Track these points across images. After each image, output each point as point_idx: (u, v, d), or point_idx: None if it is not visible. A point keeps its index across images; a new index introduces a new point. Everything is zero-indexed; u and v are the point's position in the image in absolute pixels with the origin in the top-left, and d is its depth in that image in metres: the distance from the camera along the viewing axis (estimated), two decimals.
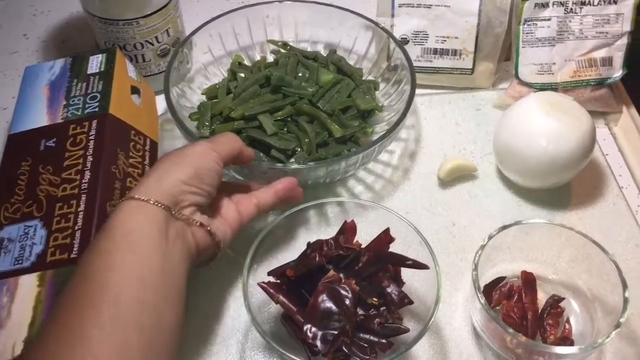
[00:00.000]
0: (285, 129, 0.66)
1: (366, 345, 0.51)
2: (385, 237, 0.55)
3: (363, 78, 0.74)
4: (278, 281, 0.54)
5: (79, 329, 0.41)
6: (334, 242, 0.55)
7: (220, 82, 0.73)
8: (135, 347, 0.42)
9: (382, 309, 0.53)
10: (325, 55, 0.76)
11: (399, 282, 0.55)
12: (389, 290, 0.53)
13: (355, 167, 0.63)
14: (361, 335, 0.51)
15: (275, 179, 0.59)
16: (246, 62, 0.76)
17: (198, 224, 0.50)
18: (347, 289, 0.52)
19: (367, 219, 0.59)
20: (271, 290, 0.52)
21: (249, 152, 0.57)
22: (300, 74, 0.71)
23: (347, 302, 0.51)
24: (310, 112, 0.66)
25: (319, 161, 0.61)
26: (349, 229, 0.56)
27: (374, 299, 0.52)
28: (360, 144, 0.67)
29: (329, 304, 0.51)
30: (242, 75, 0.73)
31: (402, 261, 0.54)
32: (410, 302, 0.53)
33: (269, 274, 0.54)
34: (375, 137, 0.65)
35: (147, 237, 0.46)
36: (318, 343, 0.49)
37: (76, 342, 0.40)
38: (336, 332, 0.49)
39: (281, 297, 0.52)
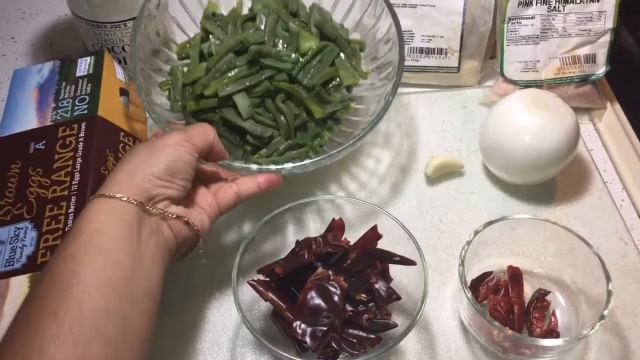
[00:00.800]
0: (263, 107, 0.63)
1: (355, 340, 0.51)
2: (373, 234, 0.56)
3: (349, 37, 0.69)
4: (267, 279, 0.54)
5: (38, 342, 0.39)
6: (322, 239, 0.55)
7: (192, 40, 0.68)
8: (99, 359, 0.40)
9: (370, 304, 0.54)
10: (307, 6, 0.69)
11: (387, 278, 0.56)
12: (377, 286, 0.54)
13: (334, 160, 0.60)
14: (350, 330, 0.52)
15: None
16: (221, 11, 0.70)
17: (174, 216, 0.49)
18: (336, 285, 0.52)
19: (356, 217, 0.60)
20: (260, 288, 0.53)
21: (221, 149, 0.55)
22: (280, 40, 0.65)
23: (336, 298, 0.52)
24: (289, 91, 0.63)
25: (296, 164, 0.58)
26: (337, 227, 0.57)
27: (362, 295, 0.53)
28: (341, 121, 0.65)
29: (318, 301, 0.51)
30: (215, 40, 0.66)
31: (390, 257, 0.55)
32: (398, 298, 0.54)
33: (259, 271, 0.55)
34: (358, 108, 0.63)
35: (115, 238, 0.44)
36: (307, 339, 0.49)
37: (33, 358, 0.38)
38: (325, 328, 0.50)
39: (270, 295, 0.53)
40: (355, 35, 0.72)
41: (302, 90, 0.63)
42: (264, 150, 0.63)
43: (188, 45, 0.68)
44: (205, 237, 0.54)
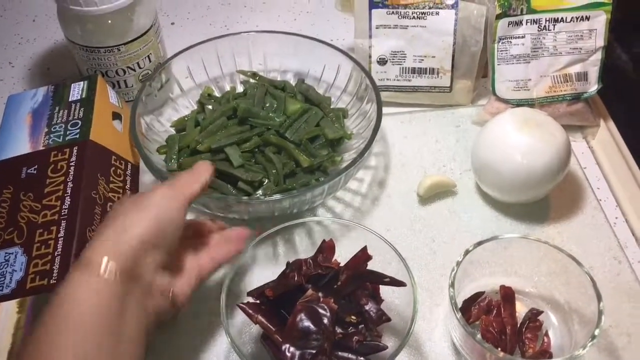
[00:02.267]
0: (253, 160, 0.67)
1: None
2: (363, 255, 0.55)
3: (332, 106, 0.75)
4: (257, 301, 0.54)
5: None
6: (312, 261, 0.55)
7: (189, 115, 0.73)
8: None
9: (360, 326, 0.53)
10: (294, 84, 0.76)
11: (378, 300, 0.56)
12: (367, 307, 0.54)
13: (322, 197, 0.63)
14: (340, 353, 0.51)
15: (241, 210, 0.60)
16: (216, 94, 0.76)
17: (159, 292, 0.49)
18: (325, 307, 0.52)
19: (346, 238, 0.60)
20: (250, 311, 0.53)
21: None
22: (267, 105, 0.71)
23: (326, 320, 0.51)
24: (277, 143, 0.67)
25: (283, 193, 0.60)
26: (327, 248, 0.57)
27: (352, 317, 0.53)
28: (329, 173, 0.67)
29: (307, 323, 0.51)
30: (211, 107, 0.73)
31: (380, 279, 0.55)
32: (388, 320, 0.54)
33: (249, 294, 0.55)
34: (344, 166, 0.65)
35: (95, 317, 0.43)
36: None
37: None
38: (314, 351, 0.49)
39: (260, 317, 0.52)
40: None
41: (290, 144, 0.67)
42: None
43: (186, 119, 0.72)
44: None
